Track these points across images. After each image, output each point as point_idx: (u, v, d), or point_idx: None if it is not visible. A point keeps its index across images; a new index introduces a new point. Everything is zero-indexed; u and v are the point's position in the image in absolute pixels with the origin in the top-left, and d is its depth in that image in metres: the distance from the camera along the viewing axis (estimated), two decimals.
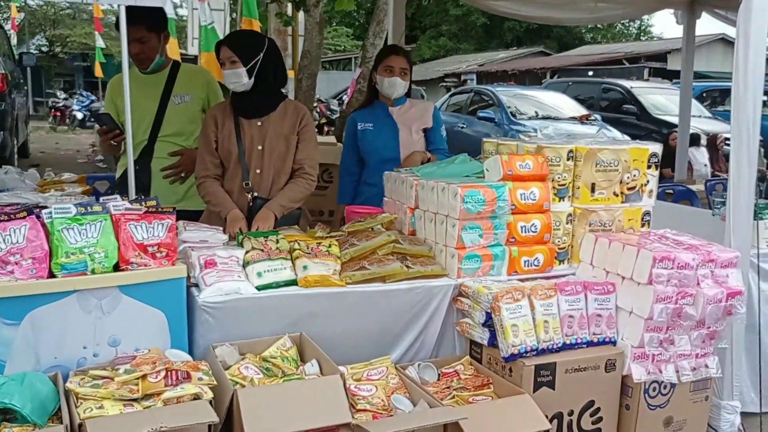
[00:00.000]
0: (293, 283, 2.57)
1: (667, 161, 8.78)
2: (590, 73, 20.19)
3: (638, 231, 3.07)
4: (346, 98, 11.33)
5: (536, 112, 11.31)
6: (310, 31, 10.27)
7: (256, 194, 3.13)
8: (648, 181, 3.08)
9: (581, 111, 11.22)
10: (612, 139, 3.35)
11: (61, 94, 23.37)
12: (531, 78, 22.09)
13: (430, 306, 2.74)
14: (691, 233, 3.28)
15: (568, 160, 2.95)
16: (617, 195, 3.02)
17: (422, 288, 2.71)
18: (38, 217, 2.21)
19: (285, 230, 2.90)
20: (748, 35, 3.02)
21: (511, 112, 10.93)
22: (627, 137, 10.52)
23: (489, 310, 2.58)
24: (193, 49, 12.67)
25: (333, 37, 31.42)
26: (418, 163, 3.53)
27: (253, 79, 3.08)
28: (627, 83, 12.58)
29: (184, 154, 3.53)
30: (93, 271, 2.19)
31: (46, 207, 2.27)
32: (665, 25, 55.08)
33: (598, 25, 33.34)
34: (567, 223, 2.98)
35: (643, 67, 21.06)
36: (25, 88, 13.75)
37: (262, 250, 2.59)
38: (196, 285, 2.45)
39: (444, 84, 25.08)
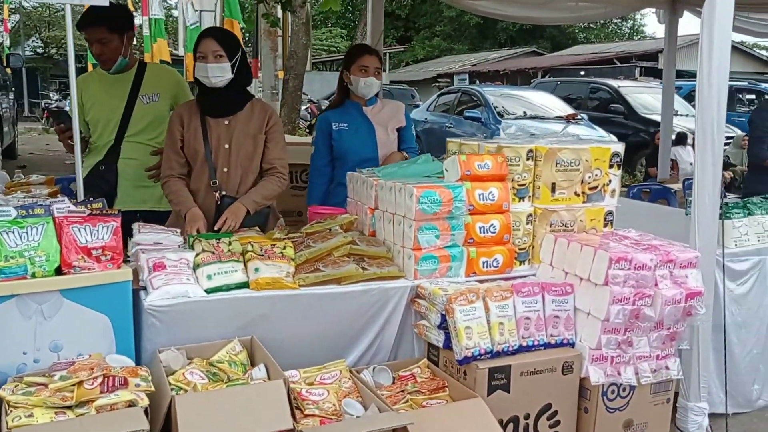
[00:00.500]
0: (245, 285, 2.53)
1: (653, 160, 8.78)
2: (582, 72, 20.17)
3: (601, 231, 3.04)
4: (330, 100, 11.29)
5: (524, 112, 11.30)
6: (297, 31, 10.26)
7: (224, 193, 3.10)
8: (610, 181, 3.05)
9: (568, 110, 11.20)
10: (576, 138, 3.31)
11: (54, 96, 23.29)
12: (523, 78, 22.07)
13: (387, 308, 2.71)
14: (663, 233, 3.25)
15: (527, 159, 2.92)
16: (578, 195, 2.99)
17: (378, 290, 2.68)
18: None
19: (242, 232, 2.86)
20: (712, 33, 3.00)
21: (498, 112, 10.91)
22: (613, 136, 10.51)
23: (444, 312, 2.54)
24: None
25: (327, 38, 31.40)
26: None
27: (233, 75, 3.06)
28: (615, 83, 12.58)
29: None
30: (33, 275, 2.16)
31: None
32: (658, 24, 55.06)
33: (591, 25, 33.37)
34: (527, 223, 2.95)
35: (634, 66, 21.06)
36: (13, 89, 13.69)
37: (213, 252, 2.55)
38: (145, 288, 2.42)
39: (436, 84, 25.05)
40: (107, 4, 2.64)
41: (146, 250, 2.54)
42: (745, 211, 3.49)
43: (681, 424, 3.18)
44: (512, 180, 2.91)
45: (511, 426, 2.53)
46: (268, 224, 3.24)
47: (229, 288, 2.49)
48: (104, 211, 2.32)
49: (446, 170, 2.92)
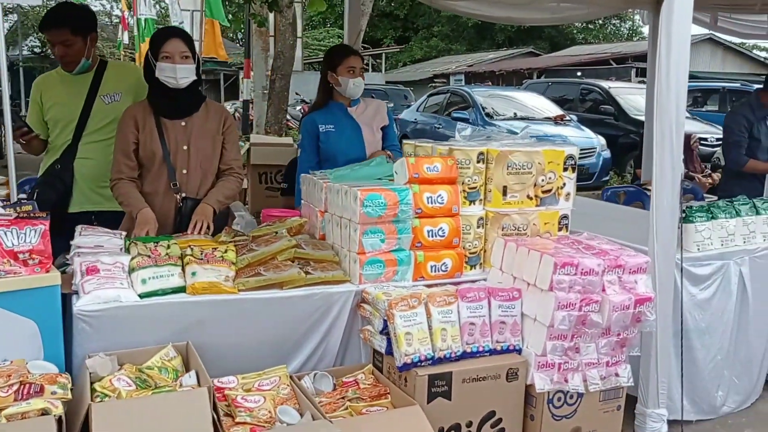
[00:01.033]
0: (182, 290, 2.48)
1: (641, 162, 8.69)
2: (579, 74, 20.11)
3: (555, 235, 2.99)
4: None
5: (515, 113, 11.25)
6: (284, 32, 10.22)
7: (184, 195, 3.06)
8: (564, 184, 2.99)
9: (557, 111, 11.14)
10: (534, 140, 3.26)
11: None
12: (518, 79, 21.99)
13: (331, 313, 2.66)
14: (631, 237, 3.21)
15: (478, 162, 2.87)
16: (531, 198, 2.94)
17: (321, 294, 2.63)
18: None
19: (181, 236, 2.82)
20: (670, 35, 2.96)
21: (487, 113, 10.87)
22: (601, 138, 10.47)
23: (386, 318, 2.50)
24: None
25: (325, 38, 31.35)
26: None
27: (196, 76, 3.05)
28: (605, 84, 12.52)
29: None
30: None
31: None
32: None
33: (589, 26, 33.27)
34: (478, 227, 2.90)
35: (630, 67, 20.97)
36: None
37: (149, 256, 2.51)
38: (77, 293, 2.37)
39: (433, 85, 25.00)
40: (40, 3, 2.59)
41: (82, 253, 2.49)
42: (709, 214, 3.43)
43: (639, 431, 3.13)
44: (463, 183, 2.86)
45: None
46: (229, 225, 3.21)
47: (164, 292, 2.44)
48: (33, 214, 2.27)
49: (396, 173, 2.87)
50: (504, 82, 22.03)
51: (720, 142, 10.10)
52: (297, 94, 17.32)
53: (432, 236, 2.78)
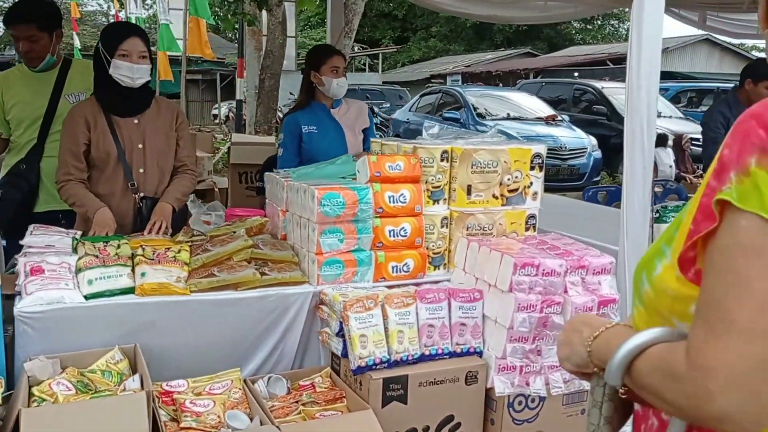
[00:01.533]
0: (131, 291, 2.42)
1: None
2: (576, 74, 20.04)
3: (522, 235, 2.93)
4: None
5: (508, 114, 11.18)
6: (273, 30, 10.16)
7: (142, 194, 3.00)
8: (531, 183, 2.93)
9: (549, 112, 11.08)
10: (504, 138, 3.20)
11: None
12: (515, 79, 21.92)
13: (287, 315, 2.59)
14: (604, 236, 3.15)
15: (442, 161, 2.80)
16: (497, 197, 2.87)
17: (276, 296, 2.57)
18: None
19: (137, 236, 2.76)
20: (641, 33, 2.91)
21: (479, 113, 10.80)
22: (593, 138, 10.41)
23: (341, 319, 2.43)
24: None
25: (323, 38, 31.29)
26: None
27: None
28: (598, 84, 12.46)
29: None
30: None
31: None
32: None
33: (588, 26, 33.22)
34: (442, 226, 2.83)
35: (625, 67, 20.85)
36: None
37: (97, 256, 2.44)
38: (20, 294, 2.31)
39: (430, 85, 24.95)
40: None
41: (29, 253, 2.43)
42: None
43: None
44: (426, 182, 2.79)
45: None
46: (187, 224, 3.16)
47: (112, 294, 2.38)
48: None
49: (358, 171, 2.81)
50: (501, 83, 21.97)
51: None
52: (291, 94, 17.27)
53: (394, 236, 2.71)
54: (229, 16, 10.46)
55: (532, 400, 2.57)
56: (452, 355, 2.54)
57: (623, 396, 0.97)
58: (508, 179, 2.87)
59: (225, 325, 2.52)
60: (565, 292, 2.53)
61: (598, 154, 10.15)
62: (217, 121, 22.20)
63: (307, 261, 2.68)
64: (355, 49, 32.80)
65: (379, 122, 15.13)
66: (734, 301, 0.79)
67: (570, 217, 4.07)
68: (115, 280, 2.40)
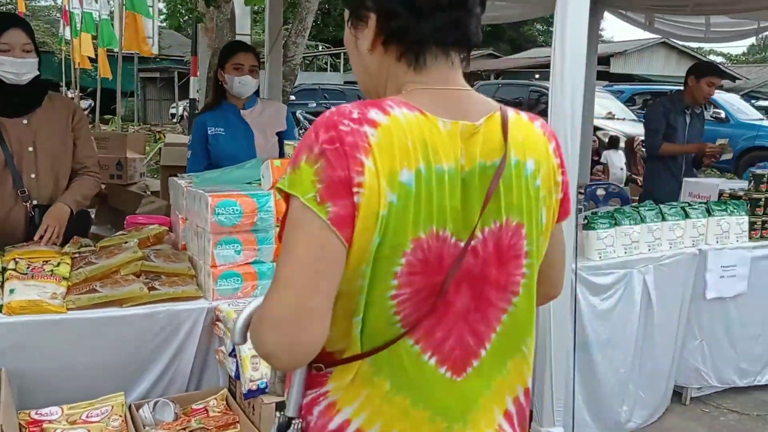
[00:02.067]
0: None
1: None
2: (537, 76, 20.09)
3: None
4: None
5: None
6: (221, 27, 9.86)
7: (35, 202, 2.77)
8: None
9: None
10: None
11: None
12: (477, 80, 21.92)
13: (179, 333, 2.40)
14: None
15: None
16: None
17: (165, 312, 2.37)
18: None
19: (18, 247, 2.54)
20: (564, 34, 2.79)
21: None
22: None
23: None
24: None
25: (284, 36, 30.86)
26: None
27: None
28: None
29: None
30: None
31: None
32: (615, 28, 55.95)
33: (551, 28, 33.42)
34: None
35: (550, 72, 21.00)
36: None
37: None
38: None
39: None
40: None
41: None
42: (612, 221, 3.26)
43: None
44: None
45: None
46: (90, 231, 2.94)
47: None
48: None
49: (262, 177, 2.63)
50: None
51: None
52: None
53: None
54: (179, 11, 10.18)
55: None
56: None
57: None
58: None
59: (108, 345, 2.31)
60: None
61: None
62: (174, 120, 21.77)
63: (204, 274, 2.49)
64: (320, 48, 32.57)
65: None
66: (282, 263, 0.99)
67: None
68: None
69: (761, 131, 10.97)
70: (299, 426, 1.07)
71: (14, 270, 2.29)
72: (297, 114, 16.10)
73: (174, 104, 23.78)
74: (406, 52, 1.08)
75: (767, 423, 3.47)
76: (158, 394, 2.41)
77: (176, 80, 24.04)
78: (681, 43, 20.94)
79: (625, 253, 3.27)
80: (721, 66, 27.31)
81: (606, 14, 6.73)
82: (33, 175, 2.79)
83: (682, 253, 3.39)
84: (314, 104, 17.99)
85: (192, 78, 14.10)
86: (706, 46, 26.25)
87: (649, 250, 3.33)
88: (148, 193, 5.54)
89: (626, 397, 3.32)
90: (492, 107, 1.11)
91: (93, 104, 15.66)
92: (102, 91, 12.88)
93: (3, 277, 2.28)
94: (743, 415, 3.52)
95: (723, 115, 12.78)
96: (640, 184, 9.08)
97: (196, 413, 2.34)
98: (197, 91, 13.50)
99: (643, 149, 9.77)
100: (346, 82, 25.47)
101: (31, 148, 2.78)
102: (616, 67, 22.28)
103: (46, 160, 2.80)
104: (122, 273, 2.41)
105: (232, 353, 2.29)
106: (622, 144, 9.79)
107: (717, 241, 3.50)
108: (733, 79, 25.08)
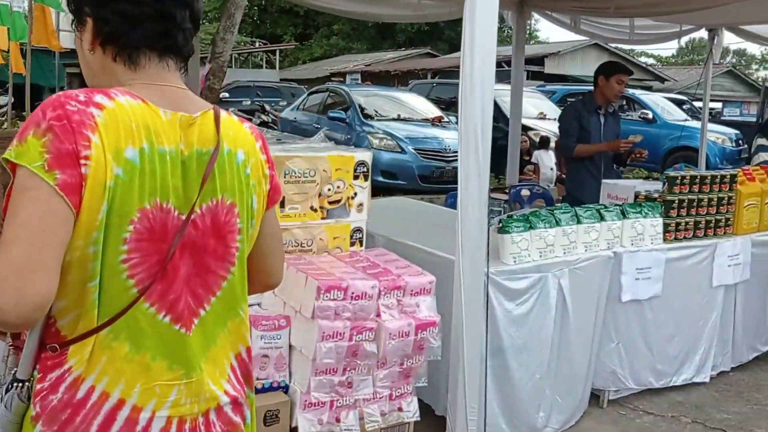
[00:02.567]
0: None
1: (521, 164, 8.65)
2: None
3: (347, 250, 2.67)
4: None
5: (399, 115, 11.01)
6: None
7: None
8: (356, 194, 2.67)
9: (437, 113, 11.02)
10: (331, 144, 2.94)
11: None
12: (413, 78, 21.96)
13: None
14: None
15: None
16: (316, 210, 2.59)
17: None
18: None
19: None
20: (474, 35, 2.73)
21: (366, 114, 10.58)
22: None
23: None
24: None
25: (219, 32, 30.29)
26: None
27: None
28: None
29: None
30: None
31: None
32: (551, 29, 57.17)
33: None
34: None
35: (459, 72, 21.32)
36: None
37: None
38: None
39: (330, 83, 24.64)
40: None
41: None
42: (527, 224, 3.21)
43: None
44: None
45: None
46: None
47: None
48: None
49: None
50: (399, 83, 21.93)
51: None
52: None
53: None
54: None
55: None
56: None
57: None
58: (329, 189, 2.60)
59: None
60: (378, 315, 2.28)
61: None
62: None
63: None
64: (257, 44, 32.05)
65: (270, 120, 14.67)
66: (8, 224, 1.04)
67: (422, 224, 3.87)
68: None
69: (685, 132, 11.27)
70: (23, 388, 1.12)
71: None
72: (229, 112, 15.74)
73: None
74: (120, 53, 1.20)
75: (681, 424, 3.49)
76: None
77: None
78: (613, 45, 21.52)
79: (540, 256, 3.22)
80: (650, 68, 28.22)
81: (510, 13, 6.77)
82: None
83: (597, 256, 3.37)
84: (248, 102, 17.64)
85: None
86: (636, 47, 27.03)
87: (565, 253, 3.29)
88: None
89: (543, 402, 3.28)
90: (207, 106, 1.24)
91: (14, 100, 14.93)
92: (24, 88, 12.25)
93: None
94: (658, 416, 3.54)
95: (650, 115, 13.11)
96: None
97: None
98: None
99: None
100: (282, 79, 25.14)
101: None
102: (550, 68, 22.68)
103: None
104: None
105: None
106: (552, 144, 9.89)
107: (632, 244, 3.50)
108: (662, 80, 25.94)
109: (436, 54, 28.14)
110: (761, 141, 4.80)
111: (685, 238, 3.70)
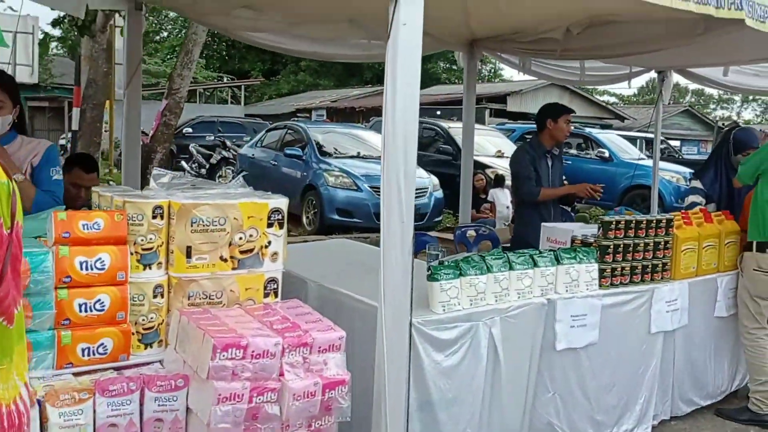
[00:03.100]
0: None
1: (475, 202, 8.63)
2: (438, 112, 20.41)
3: (260, 302, 2.54)
4: (150, 131, 10.47)
5: (359, 153, 10.98)
6: (96, 58, 9.43)
7: None
8: (270, 243, 2.55)
9: None
10: (249, 191, 2.82)
11: None
12: (379, 115, 22.09)
13: None
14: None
15: (155, 218, 2.36)
16: (226, 260, 2.47)
17: None
18: None
19: None
20: (395, 78, 2.68)
21: (324, 151, 10.52)
22: (434, 177, 10.38)
23: None
24: None
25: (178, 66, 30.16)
26: None
27: None
28: (445, 124, 12.59)
29: None
30: None
31: None
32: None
33: (453, 67, 34.30)
34: (155, 296, 2.38)
35: (485, 107, 21.61)
36: None
37: None
38: None
39: (295, 119, 24.65)
40: None
41: None
42: (457, 271, 3.11)
43: None
44: (135, 243, 2.34)
45: None
46: None
47: None
48: None
49: (47, 232, 2.31)
50: (364, 119, 22.01)
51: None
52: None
53: (86, 311, 2.23)
54: (48, 39, 9.60)
55: None
56: None
57: None
58: (240, 238, 2.48)
59: None
60: (282, 375, 2.14)
61: (439, 194, 10.10)
62: (62, 153, 20.67)
63: None
64: (225, 79, 31.97)
65: (231, 156, 14.53)
66: None
67: (358, 268, 3.75)
68: None
69: (639, 170, 11.41)
70: None
71: None
72: (190, 147, 15.59)
73: (63, 135, 22.64)
74: None
75: None
76: None
77: (66, 110, 22.93)
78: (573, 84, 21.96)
79: (471, 304, 3.12)
80: (610, 106, 28.79)
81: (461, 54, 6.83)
82: None
83: (530, 303, 3.28)
84: (211, 137, 17.53)
85: (75, 109, 13.40)
86: (599, 87, 27.60)
87: (497, 301, 3.20)
88: None
89: None
90: None
91: None
92: None
93: None
94: None
95: (607, 154, 13.27)
96: None
97: None
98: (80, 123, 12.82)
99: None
100: (247, 115, 25.08)
101: None
102: (512, 106, 23.01)
103: None
104: None
105: None
106: (508, 182, 9.91)
107: (566, 290, 3.42)
108: (622, 119, 26.48)
109: None
110: (695, 183, 4.80)
111: (621, 283, 3.64)
